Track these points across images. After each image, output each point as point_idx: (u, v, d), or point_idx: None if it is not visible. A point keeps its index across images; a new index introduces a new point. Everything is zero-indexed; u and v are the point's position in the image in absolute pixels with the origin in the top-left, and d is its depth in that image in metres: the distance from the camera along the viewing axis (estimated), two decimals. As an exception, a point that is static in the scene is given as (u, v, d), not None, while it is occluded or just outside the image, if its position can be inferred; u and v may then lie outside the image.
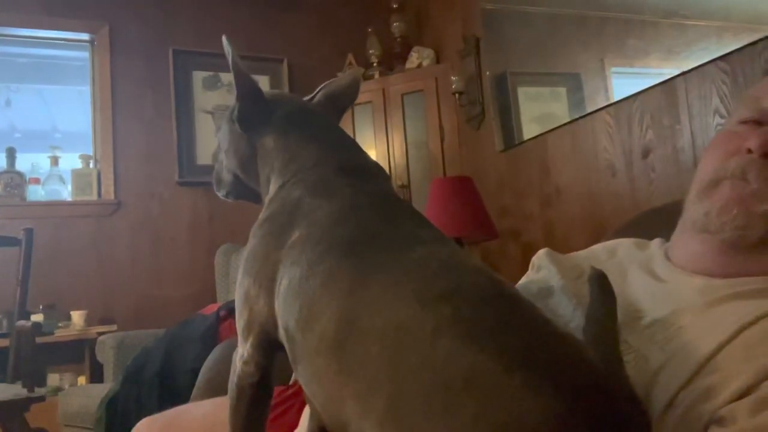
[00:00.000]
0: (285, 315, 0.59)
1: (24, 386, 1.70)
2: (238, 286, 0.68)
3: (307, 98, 0.84)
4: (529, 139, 2.45)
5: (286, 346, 0.61)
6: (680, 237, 0.71)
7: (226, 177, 0.84)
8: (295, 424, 0.93)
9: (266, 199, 0.73)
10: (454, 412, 0.44)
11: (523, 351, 0.46)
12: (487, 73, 2.71)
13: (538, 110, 2.53)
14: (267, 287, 0.63)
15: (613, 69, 2.09)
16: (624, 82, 2.03)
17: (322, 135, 0.74)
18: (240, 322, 0.67)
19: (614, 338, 0.59)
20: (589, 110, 2.11)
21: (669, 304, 0.62)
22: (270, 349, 0.65)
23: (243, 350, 0.65)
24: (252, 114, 0.75)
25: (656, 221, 1.08)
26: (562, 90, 2.37)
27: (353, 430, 0.50)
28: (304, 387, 0.59)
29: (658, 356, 0.57)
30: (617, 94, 2.00)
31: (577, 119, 2.17)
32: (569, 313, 0.68)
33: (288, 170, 0.71)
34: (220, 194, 0.88)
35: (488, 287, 0.52)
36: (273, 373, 0.67)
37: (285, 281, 0.60)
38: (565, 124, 2.24)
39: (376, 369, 0.49)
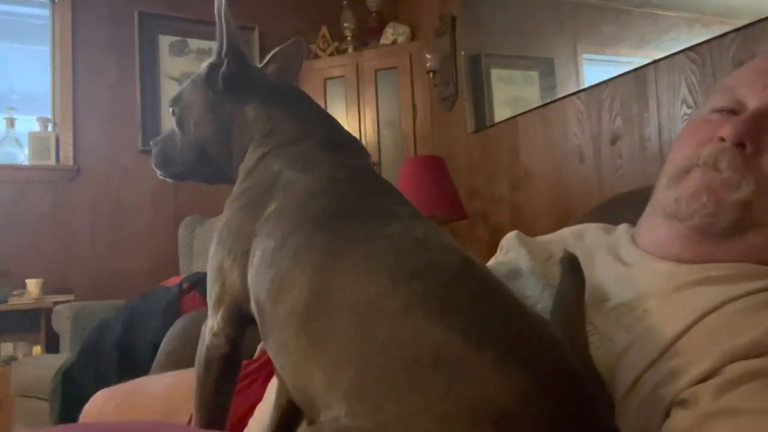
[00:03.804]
0: (257, 287, 0.59)
1: (-25, 355, 1.65)
2: (211, 257, 0.66)
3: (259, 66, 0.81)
4: (501, 122, 2.46)
5: (257, 318, 0.60)
6: (648, 222, 0.73)
7: (183, 154, 0.77)
8: (259, 398, 0.92)
9: (242, 167, 0.70)
10: (422, 388, 0.44)
11: (493, 329, 0.46)
12: (462, 53, 2.70)
13: (510, 93, 2.53)
14: (241, 259, 0.62)
15: (585, 55, 2.11)
16: (595, 69, 2.05)
17: (302, 109, 0.73)
18: (211, 294, 0.65)
19: (581, 320, 0.60)
20: (560, 95, 2.12)
21: (635, 287, 0.63)
22: (241, 322, 0.64)
23: (213, 322, 0.65)
24: (237, 75, 0.72)
25: (621, 207, 1.10)
26: (535, 74, 2.38)
27: (320, 404, 0.49)
28: (273, 359, 0.59)
29: (623, 338, 0.58)
30: (588, 81, 2.02)
31: (548, 104, 2.19)
32: (537, 295, 0.69)
33: (268, 142, 0.69)
34: (165, 174, 0.80)
35: (461, 266, 0.52)
36: (242, 346, 0.66)
37: (258, 253, 0.59)
38: (536, 108, 2.25)
39: (346, 343, 0.49)
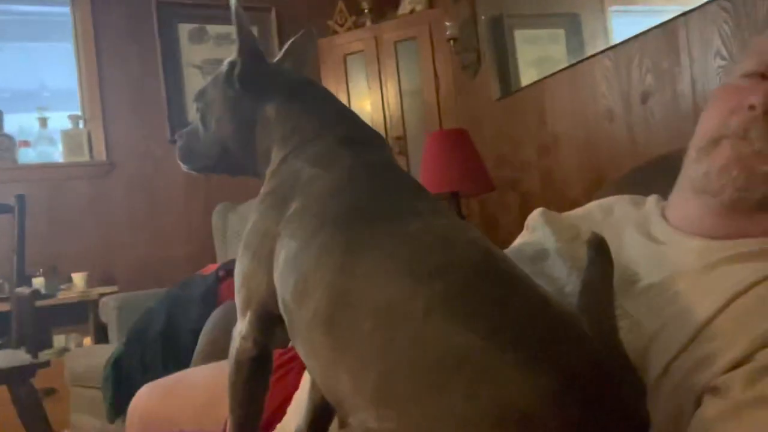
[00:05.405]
0: (282, 289, 0.59)
1: (28, 352, 1.72)
2: (237, 261, 0.67)
3: (275, 61, 0.80)
4: (526, 86, 2.39)
5: (285, 319, 0.60)
6: (678, 197, 0.70)
7: (207, 149, 0.77)
8: (296, 387, 0.94)
9: (268, 172, 0.70)
10: (445, 392, 0.44)
11: (515, 329, 0.46)
12: (482, 17, 2.62)
13: (536, 54, 2.46)
14: (266, 262, 0.62)
15: (613, 8, 2.02)
16: (625, 21, 1.97)
17: (322, 106, 0.72)
18: (239, 297, 0.66)
19: (609, 305, 0.58)
20: (589, 52, 2.05)
21: (665, 267, 0.61)
22: (269, 324, 0.64)
23: (242, 326, 0.65)
24: (254, 75, 0.71)
25: (656, 172, 1.06)
26: (561, 32, 2.30)
27: (348, 406, 0.50)
28: (303, 359, 0.59)
29: (654, 322, 0.56)
30: (617, 35, 1.93)
31: (574, 64, 2.12)
32: (564, 277, 0.68)
33: (290, 142, 0.68)
34: (189, 167, 0.81)
35: (482, 262, 0.51)
36: (272, 347, 0.67)
37: (282, 254, 0.60)
38: (562, 70, 2.18)
39: (369, 345, 0.49)
